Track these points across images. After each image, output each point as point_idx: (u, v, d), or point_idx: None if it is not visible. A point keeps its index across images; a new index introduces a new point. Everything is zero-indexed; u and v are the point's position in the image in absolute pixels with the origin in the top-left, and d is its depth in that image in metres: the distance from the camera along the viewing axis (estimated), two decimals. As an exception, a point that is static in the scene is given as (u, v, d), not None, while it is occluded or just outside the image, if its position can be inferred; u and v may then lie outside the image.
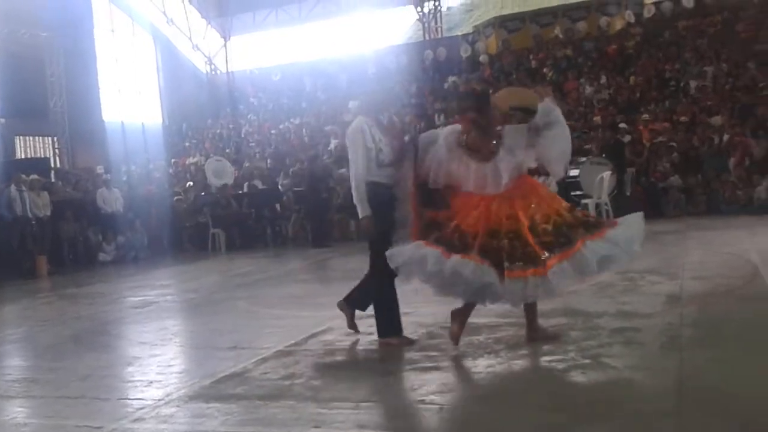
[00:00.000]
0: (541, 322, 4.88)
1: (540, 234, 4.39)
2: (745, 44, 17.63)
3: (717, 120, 14.46)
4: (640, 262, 7.65)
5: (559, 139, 4.61)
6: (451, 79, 21.45)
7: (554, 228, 4.40)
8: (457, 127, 4.81)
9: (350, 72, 23.43)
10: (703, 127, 14.29)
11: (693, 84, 16.57)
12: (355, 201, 5.00)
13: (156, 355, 5.43)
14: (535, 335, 4.69)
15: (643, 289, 6.28)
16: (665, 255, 7.94)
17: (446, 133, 4.83)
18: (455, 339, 4.69)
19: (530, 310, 4.69)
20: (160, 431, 3.64)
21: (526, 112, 4.71)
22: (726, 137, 13.55)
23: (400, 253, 4.52)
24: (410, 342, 4.94)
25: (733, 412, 3.12)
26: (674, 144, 13.86)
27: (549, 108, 4.63)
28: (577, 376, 3.88)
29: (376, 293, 5.08)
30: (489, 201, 4.52)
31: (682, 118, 14.99)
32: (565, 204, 4.71)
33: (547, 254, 4.31)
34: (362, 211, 4.95)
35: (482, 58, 21.67)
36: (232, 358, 5.00)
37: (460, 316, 4.72)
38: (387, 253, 4.56)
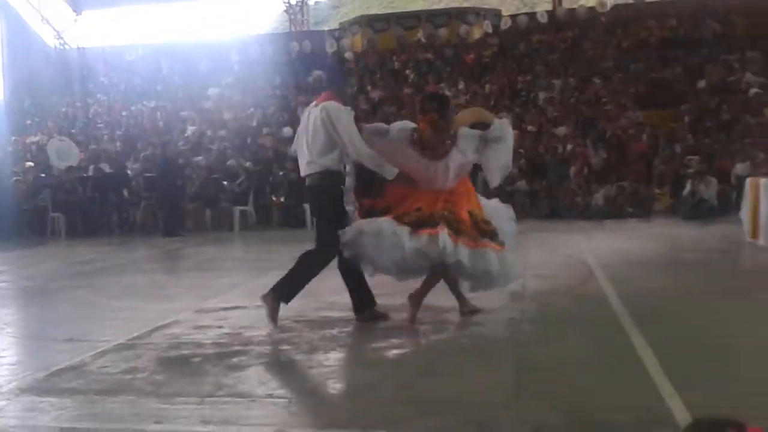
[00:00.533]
0: (393, 315, 5.01)
1: (479, 222, 4.95)
2: (591, 61, 18.89)
3: (561, 130, 15.40)
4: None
5: (504, 152, 5.09)
6: (316, 73, 21.40)
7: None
8: (409, 123, 5.22)
9: (211, 58, 22.76)
10: (548, 137, 15.18)
11: (542, 95, 17.55)
12: (376, 167, 4.95)
13: (-16, 346, 5.01)
14: (466, 309, 5.14)
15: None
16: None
17: (398, 128, 5.17)
18: (413, 321, 5.00)
19: (456, 285, 5.14)
20: (-15, 426, 3.35)
21: (483, 127, 5.14)
22: (569, 147, 14.48)
23: (350, 229, 4.92)
24: (274, 319, 5.03)
25: (566, 403, 3.31)
26: (522, 151, 14.61)
27: (504, 125, 5.23)
28: (428, 370, 3.97)
29: (304, 267, 5.16)
30: (431, 193, 4.97)
31: (530, 127, 15.84)
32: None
33: (484, 239, 4.86)
34: (389, 170, 4.94)
35: (347, 54, 21.78)
36: (69, 350, 4.70)
37: (417, 298, 5.07)
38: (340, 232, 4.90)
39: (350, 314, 5.34)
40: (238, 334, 4.96)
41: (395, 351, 4.35)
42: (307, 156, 5.09)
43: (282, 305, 5.09)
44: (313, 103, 5.22)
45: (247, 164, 15.37)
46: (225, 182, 14.67)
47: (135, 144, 17.89)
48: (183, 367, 4.25)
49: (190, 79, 22.29)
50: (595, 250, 8.28)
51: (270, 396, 3.63)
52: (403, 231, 4.78)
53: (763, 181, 8.43)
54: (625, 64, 18.34)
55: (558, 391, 3.51)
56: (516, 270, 5.19)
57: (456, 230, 4.79)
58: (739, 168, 12.68)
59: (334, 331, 4.91)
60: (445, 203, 4.92)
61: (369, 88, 19.94)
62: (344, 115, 4.95)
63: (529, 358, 4.14)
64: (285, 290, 5.12)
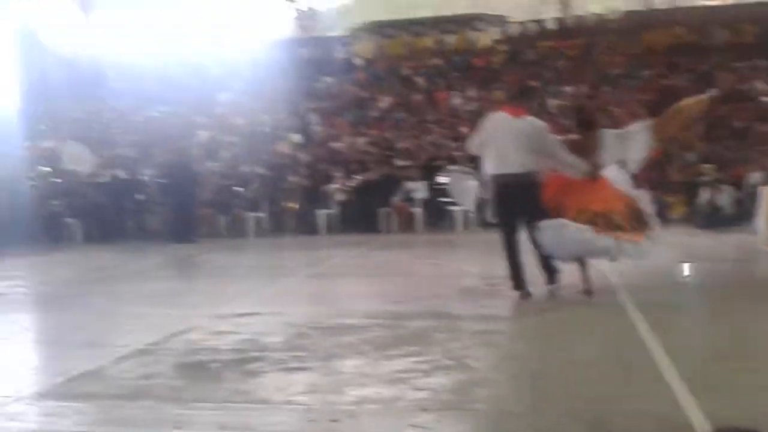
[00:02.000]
0: (409, 323, 5.04)
1: (634, 212, 6.08)
2: (600, 68, 18.89)
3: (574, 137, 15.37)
4: (500, 269, 8.01)
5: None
6: (325, 79, 21.50)
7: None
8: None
9: (222, 63, 22.88)
10: (561, 144, 15.15)
11: (553, 102, 17.55)
12: (574, 169, 6.18)
13: (5, 351, 5.07)
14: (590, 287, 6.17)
15: (505, 294, 6.55)
16: (526, 262, 8.33)
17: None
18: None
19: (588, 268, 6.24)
20: (7, 429, 3.37)
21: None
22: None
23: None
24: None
25: (584, 411, 3.31)
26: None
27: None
28: (441, 377, 3.98)
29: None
30: (587, 187, 6.12)
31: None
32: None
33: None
34: (585, 167, 6.20)
35: (357, 61, 21.86)
36: (87, 356, 4.72)
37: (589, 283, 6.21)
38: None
39: (366, 321, 5.37)
40: (254, 341, 4.98)
41: (411, 359, 4.35)
42: (514, 158, 6.08)
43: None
44: (503, 112, 6.36)
45: (260, 170, 15.44)
46: (238, 188, 14.74)
47: (149, 150, 17.99)
48: (201, 372, 4.28)
49: (201, 84, 22.41)
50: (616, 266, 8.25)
51: (288, 402, 3.64)
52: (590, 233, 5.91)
53: (777, 189, 8.41)
54: (635, 71, 18.33)
55: (576, 399, 3.51)
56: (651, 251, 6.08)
57: (620, 227, 5.94)
58: (753, 176, 12.64)
59: (351, 338, 4.92)
60: (604, 198, 6.06)
61: (379, 94, 20.01)
62: (548, 132, 6.35)
63: (547, 366, 4.14)
64: (548, 274, 6.28)
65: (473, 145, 6.58)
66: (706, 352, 4.27)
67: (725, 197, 12.21)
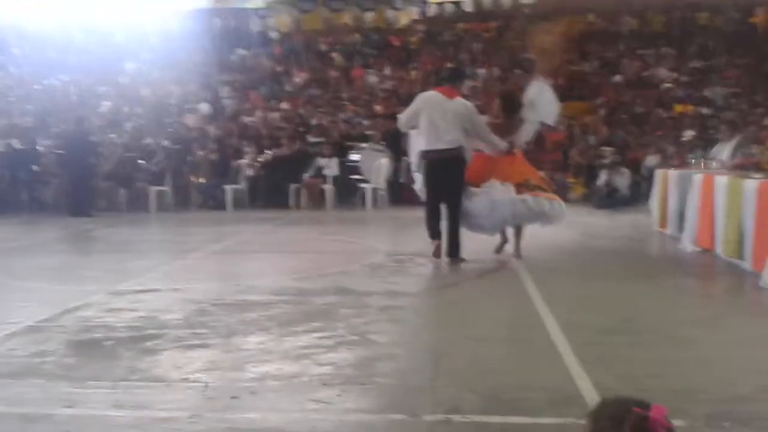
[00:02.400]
0: (314, 299, 5.02)
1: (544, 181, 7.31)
2: (513, 52, 19.26)
3: (485, 119, 15.66)
4: (408, 246, 8.11)
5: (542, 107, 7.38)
6: (239, 52, 20.99)
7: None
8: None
9: (129, 31, 21.96)
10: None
11: (466, 83, 17.77)
12: (496, 147, 6.96)
13: None
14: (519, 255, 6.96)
15: (410, 271, 6.65)
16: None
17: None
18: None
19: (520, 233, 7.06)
20: None
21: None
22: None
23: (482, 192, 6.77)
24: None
25: (481, 385, 3.39)
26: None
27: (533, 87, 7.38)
28: (345, 352, 3.99)
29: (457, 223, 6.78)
30: (505, 161, 6.95)
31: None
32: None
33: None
34: (504, 145, 6.99)
35: (273, 34, 21.45)
36: (-27, 333, 4.48)
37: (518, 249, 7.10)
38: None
39: (271, 297, 5.32)
40: (152, 318, 4.84)
41: (315, 335, 4.34)
42: (446, 134, 6.65)
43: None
44: (434, 92, 7.01)
45: (165, 142, 14.95)
46: (141, 161, 14.24)
47: (47, 119, 17.11)
48: (95, 350, 4.12)
49: (106, 53, 21.45)
50: (511, 237, 8.46)
51: (185, 380, 3.56)
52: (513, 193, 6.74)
53: (671, 172, 8.83)
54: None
55: (474, 373, 3.59)
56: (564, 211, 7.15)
57: (539, 189, 6.91)
58: (650, 160, 13.24)
59: (253, 315, 4.86)
60: (521, 171, 6.97)
61: (294, 69, 19.72)
62: (477, 114, 7.04)
63: (446, 340, 4.23)
64: (456, 249, 6.76)
65: (404, 121, 7.10)
66: (598, 327, 4.45)
67: (623, 179, 12.75)
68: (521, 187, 6.81)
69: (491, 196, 6.71)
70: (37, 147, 14.59)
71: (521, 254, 7.01)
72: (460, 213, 6.76)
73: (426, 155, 6.81)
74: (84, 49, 22.27)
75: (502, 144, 6.94)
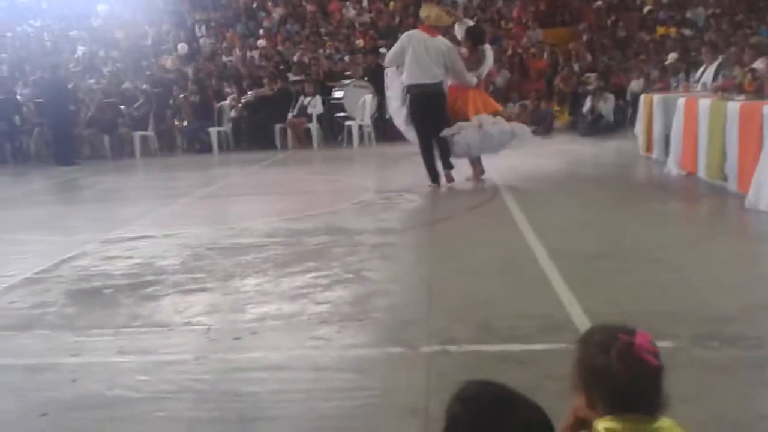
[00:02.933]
0: (307, 240, 5.10)
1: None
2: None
3: (464, 51, 15.47)
4: (396, 182, 8.16)
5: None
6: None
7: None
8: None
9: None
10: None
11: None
12: (469, 82, 7.55)
13: None
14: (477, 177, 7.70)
15: (400, 207, 6.72)
16: (419, 175, 8.47)
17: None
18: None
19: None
20: None
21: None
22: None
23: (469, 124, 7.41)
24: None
25: (474, 315, 3.50)
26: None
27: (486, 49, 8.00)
28: (341, 290, 4.08)
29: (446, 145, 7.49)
30: (471, 94, 7.58)
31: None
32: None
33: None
34: (473, 80, 7.65)
35: (246, -31, 20.85)
36: (-30, 287, 4.52)
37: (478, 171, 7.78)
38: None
39: (264, 240, 5.38)
40: (149, 264, 4.90)
41: (311, 275, 4.42)
42: (430, 70, 7.21)
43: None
44: (418, 31, 7.55)
45: (145, 86, 14.72)
46: (122, 106, 14.04)
47: (23, 67, 16.76)
48: (95, 299, 4.19)
49: (76, -4, 20.84)
50: (498, 168, 8.53)
51: (188, 324, 3.65)
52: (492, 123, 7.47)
53: (656, 97, 8.85)
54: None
55: (466, 304, 3.70)
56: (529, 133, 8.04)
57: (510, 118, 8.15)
58: (634, 84, 13.22)
59: (249, 258, 4.92)
60: (485, 103, 7.69)
61: (270, 4, 19.30)
62: (456, 51, 7.51)
63: (439, 274, 4.32)
64: (448, 161, 7.55)
65: (391, 58, 7.66)
66: (586, 254, 4.56)
67: (607, 105, 12.75)
68: (497, 116, 7.67)
69: (483, 128, 7.40)
70: (17, 96, 14.33)
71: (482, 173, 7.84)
72: (449, 141, 7.46)
73: (411, 89, 7.33)
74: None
75: (473, 80, 7.57)
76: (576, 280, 3.88)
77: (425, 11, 7.67)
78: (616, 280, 3.98)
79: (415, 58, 7.22)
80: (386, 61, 7.84)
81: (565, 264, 4.22)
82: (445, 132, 7.35)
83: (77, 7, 20.13)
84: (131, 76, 15.59)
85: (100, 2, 20.22)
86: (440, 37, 7.47)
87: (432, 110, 7.31)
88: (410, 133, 7.75)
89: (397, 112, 7.83)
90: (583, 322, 3.20)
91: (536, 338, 3.14)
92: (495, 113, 7.68)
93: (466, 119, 7.42)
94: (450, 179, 7.57)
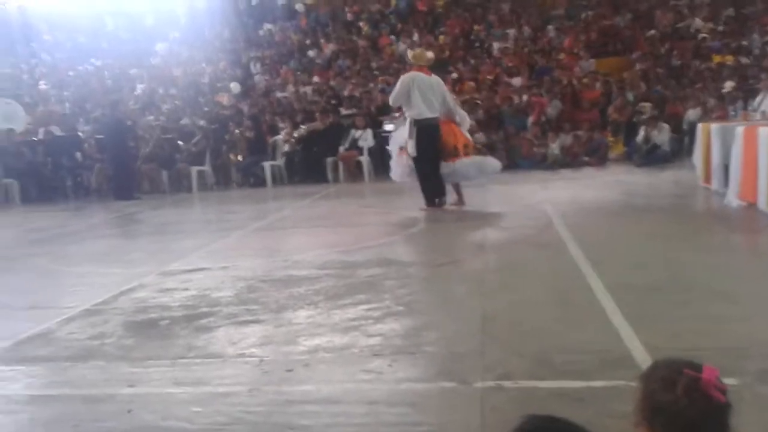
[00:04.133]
0: (358, 272, 5.10)
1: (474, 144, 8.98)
2: (542, 9, 18.90)
3: (517, 81, 15.47)
4: (446, 214, 8.14)
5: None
6: (266, 26, 20.98)
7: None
8: None
9: (157, 12, 22.11)
10: (504, 87, 15.23)
11: (496, 45, 17.54)
12: (462, 119, 8.80)
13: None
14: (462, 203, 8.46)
15: (451, 239, 6.68)
16: (469, 206, 8.46)
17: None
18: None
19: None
20: (-47, 399, 3.32)
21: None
22: (525, 97, 14.57)
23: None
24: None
25: (530, 349, 3.43)
26: (479, 102, 14.66)
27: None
28: (392, 323, 4.06)
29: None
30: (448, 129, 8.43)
31: (488, 77, 15.87)
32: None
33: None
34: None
35: (298, 6, 21.39)
36: (34, 318, 4.66)
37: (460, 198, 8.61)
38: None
39: (316, 272, 5.41)
40: (204, 296, 4.97)
41: (362, 307, 4.41)
42: (434, 105, 8.26)
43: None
44: (418, 72, 8.36)
45: (202, 122, 15.11)
46: (180, 142, 14.43)
47: (84, 105, 17.41)
48: (151, 330, 4.26)
49: (136, 35, 21.66)
50: (552, 199, 8.44)
51: (241, 355, 3.67)
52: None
53: (713, 126, 8.64)
54: (577, 12, 18.42)
55: (522, 338, 3.62)
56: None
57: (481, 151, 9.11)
58: (691, 113, 12.95)
59: (301, 290, 4.95)
60: (463, 138, 8.55)
61: (322, 41, 19.66)
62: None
63: (492, 307, 4.26)
64: (441, 197, 8.40)
65: (395, 99, 8.50)
66: (644, 286, 4.43)
67: (663, 135, 12.51)
68: (475, 148, 8.76)
69: (482, 161, 8.63)
70: (77, 133, 14.88)
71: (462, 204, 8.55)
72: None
73: (420, 123, 8.24)
74: (114, 33, 22.53)
75: (464, 113, 8.95)
76: (635, 314, 3.78)
77: (411, 55, 8.79)
78: (677, 313, 3.85)
79: (422, 95, 8.22)
80: (392, 102, 8.77)
81: (623, 296, 4.12)
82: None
83: (137, 46, 20.89)
84: (189, 113, 16.02)
85: (159, 41, 20.93)
86: (434, 76, 8.51)
87: (437, 140, 8.30)
88: (398, 170, 8.86)
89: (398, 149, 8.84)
90: (643, 358, 3.10)
91: (594, 374, 3.05)
92: (466, 145, 8.52)
93: (455, 151, 8.33)
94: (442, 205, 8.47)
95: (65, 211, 11.81)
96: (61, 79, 20.28)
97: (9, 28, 23.79)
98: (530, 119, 13.96)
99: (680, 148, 12.56)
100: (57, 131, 15.25)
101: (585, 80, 15.12)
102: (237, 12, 22.06)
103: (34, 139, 14.77)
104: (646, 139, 12.50)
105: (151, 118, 15.74)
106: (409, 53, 9.05)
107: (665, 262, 5.15)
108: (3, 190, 13.35)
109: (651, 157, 12.17)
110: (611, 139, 13.49)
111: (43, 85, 20.07)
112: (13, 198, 13.28)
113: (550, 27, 17.77)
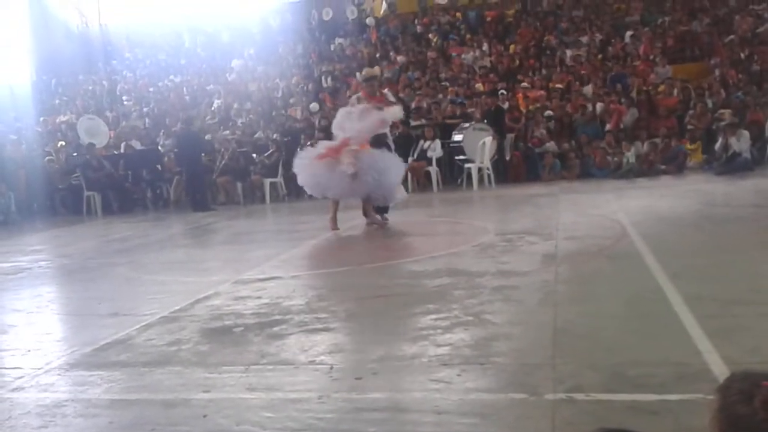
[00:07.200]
0: (427, 281, 5.09)
1: None
2: (616, 16, 18.53)
3: (588, 89, 15.19)
4: (517, 224, 8.05)
5: None
6: (338, 41, 21.29)
7: None
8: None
9: (233, 30, 22.74)
10: (576, 95, 14.98)
11: (569, 53, 17.28)
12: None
13: (32, 323, 5.20)
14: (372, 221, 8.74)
15: (521, 249, 6.58)
16: (541, 217, 8.34)
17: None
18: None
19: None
20: (40, 400, 3.48)
21: None
22: (600, 105, 14.28)
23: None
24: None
25: (603, 361, 3.35)
26: (551, 111, 14.46)
27: None
28: (461, 333, 4.04)
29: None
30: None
31: (558, 85, 15.64)
32: None
33: None
34: None
35: (368, 20, 21.63)
36: (114, 325, 4.84)
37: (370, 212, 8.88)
38: None
39: (385, 281, 5.43)
40: (276, 304, 5.07)
41: (431, 316, 4.41)
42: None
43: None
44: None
45: (275, 136, 15.44)
46: (254, 155, 14.78)
47: (163, 120, 18.04)
48: (226, 337, 4.37)
49: (212, 52, 22.34)
50: (627, 209, 8.23)
51: (312, 363, 3.72)
52: None
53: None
54: (652, 18, 17.97)
55: (595, 350, 3.55)
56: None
57: None
58: (772, 120, 12.43)
59: (370, 299, 4.99)
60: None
61: (392, 54, 19.80)
62: None
63: (564, 318, 4.18)
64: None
65: None
66: (723, 299, 4.28)
67: (743, 142, 12.03)
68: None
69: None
70: (157, 147, 15.43)
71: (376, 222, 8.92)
72: None
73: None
74: (192, 50, 23.31)
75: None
76: (713, 327, 3.65)
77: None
78: (757, 326, 3.70)
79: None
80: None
81: (701, 309, 3.98)
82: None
83: (214, 63, 21.54)
84: (263, 126, 16.39)
85: (235, 58, 21.52)
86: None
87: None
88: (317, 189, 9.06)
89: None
90: (721, 371, 2.99)
91: (670, 387, 2.96)
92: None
93: None
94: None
95: (145, 222, 12.25)
96: (142, 95, 21.09)
97: (91, 47, 24.99)
98: (607, 127, 13.68)
99: (761, 156, 12.07)
100: (137, 145, 15.86)
101: (662, 87, 14.72)
102: (309, 28, 22.48)
103: (116, 153, 15.39)
104: (726, 146, 12.05)
105: (227, 132, 16.17)
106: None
107: (746, 274, 4.95)
108: (86, 202, 13.95)
109: (731, 166, 11.73)
110: (690, 147, 13.07)
111: (125, 101, 20.94)
112: (96, 210, 13.85)
113: (627, 33, 17.39)
